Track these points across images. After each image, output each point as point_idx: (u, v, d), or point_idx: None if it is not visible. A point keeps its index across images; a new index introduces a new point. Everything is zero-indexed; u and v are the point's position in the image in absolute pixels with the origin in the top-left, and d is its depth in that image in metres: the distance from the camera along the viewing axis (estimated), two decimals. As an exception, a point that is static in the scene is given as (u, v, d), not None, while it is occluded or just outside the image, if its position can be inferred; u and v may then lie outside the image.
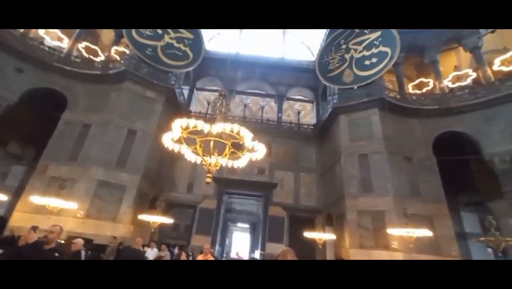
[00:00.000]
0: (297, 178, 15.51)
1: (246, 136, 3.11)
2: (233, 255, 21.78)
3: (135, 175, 11.60)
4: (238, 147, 3.75)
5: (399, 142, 11.79)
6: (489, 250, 13.92)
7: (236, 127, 3.03)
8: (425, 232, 8.82)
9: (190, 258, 9.78)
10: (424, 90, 13.95)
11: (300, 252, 12.31)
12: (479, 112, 11.37)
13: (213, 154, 3.41)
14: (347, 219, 11.26)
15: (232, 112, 18.55)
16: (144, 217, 9.52)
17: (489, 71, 12.16)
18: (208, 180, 3.45)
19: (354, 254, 10.55)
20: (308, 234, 11.67)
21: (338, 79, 14.40)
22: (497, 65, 11.87)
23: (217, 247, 14.38)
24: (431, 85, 13.88)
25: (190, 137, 3.41)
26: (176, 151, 3.53)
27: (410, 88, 14.68)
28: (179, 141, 3.41)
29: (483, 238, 9.85)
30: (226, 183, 15.32)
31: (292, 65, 19.00)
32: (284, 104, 19.36)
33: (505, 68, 11.76)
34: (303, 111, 20.28)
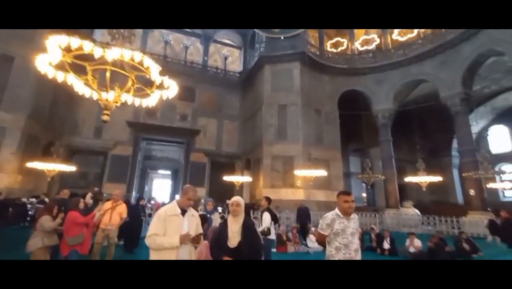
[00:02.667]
0: (220, 125, 15.64)
1: (152, 68, 2.72)
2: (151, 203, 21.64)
3: (18, 114, 9.28)
4: (146, 82, 3.33)
5: (312, 96, 13.03)
6: (363, 184, 18.31)
7: (138, 55, 2.55)
8: (322, 172, 10.73)
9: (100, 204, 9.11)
10: (339, 49, 15.25)
11: (219, 193, 13.30)
12: (375, 74, 13.45)
13: (111, 88, 2.91)
14: (263, 163, 12.42)
15: (150, 49, 16.16)
16: (35, 165, 7.99)
17: (389, 39, 14.10)
18: (105, 117, 3.00)
19: (266, 192, 12.01)
20: (227, 178, 12.53)
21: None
22: (395, 34, 13.83)
23: (134, 194, 13.86)
24: (345, 45, 15.24)
25: (80, 64, 2.77)
26: (60, 80, 2.82)
27: (328, 46, 15.78)
28: (62, 68, 2.72)
29: (360, 176, 12.74)
30: (144, 128, 14.14)
31: (221, 2, 17.27)
32: (211, 48, 18.02)
33: (400, 38, 13.86)
34: (230, 57, 19.47)
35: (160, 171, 23.94)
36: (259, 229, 4.26)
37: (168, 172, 23.81)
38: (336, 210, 2.18)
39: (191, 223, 2.14)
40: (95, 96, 3.15)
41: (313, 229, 7.49)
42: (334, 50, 15.24)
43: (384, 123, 13.22)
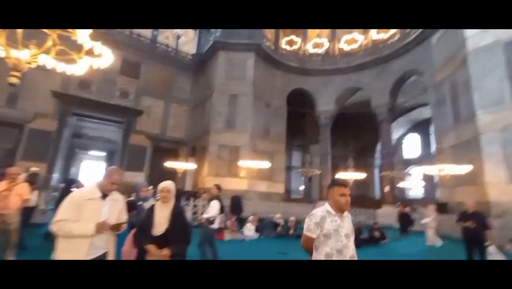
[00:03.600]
0: (167, 107, 14.74)
1: (80, 29, 2.36)
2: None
3: None
4: (72, 46, 2.89)
5: (264, 89, 13.30)
6: (302, 178, 19.73)
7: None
8: (266, 164, 11.16)
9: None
10: (292, 47, 15.83)
11: (160, 179, 12.62)
12: (322, 77, 14.45)
13: (24, 46, 2.44)
14: (209, 151, 12.24)
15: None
16: None
17: (336, 46, 15.23)
18: (13, 80, 2.50)
19: (210, 180, 11.94)
20: (169, 164, 11.95)
21: (224, 11, 13.65)
22: (342, 43, 15.02)
23: (55, 176, 12.11)
24: (298, 44, 15.89)
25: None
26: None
27: (283, 43, 16.22)
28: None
29: (300, 170, 13.68)
30: (74, 101, 12.35)
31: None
32: (162, 22, 16.64)
33: (346, 47, 15.11)
34: (184, 37, 18.36)
35: (92, 152, 21.36)
36: (204, 216, 4.20)
37: (102, 154, 21.45)
38: (327, 206, 1.78)
39: (113, 209, 1.95)
40: (2, 53, 2.59)
41: (251, 217, 7.80)
42: (288, 48, 15.76)
43: (325, 123, 14.39)
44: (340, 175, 12.95)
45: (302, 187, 20.87)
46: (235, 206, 8.06)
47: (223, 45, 13.09)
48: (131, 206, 3.49)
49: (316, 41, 15.45)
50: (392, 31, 13.35)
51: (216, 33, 13.76)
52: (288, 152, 16.68)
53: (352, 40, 14.71)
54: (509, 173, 6.90)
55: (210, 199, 4.29)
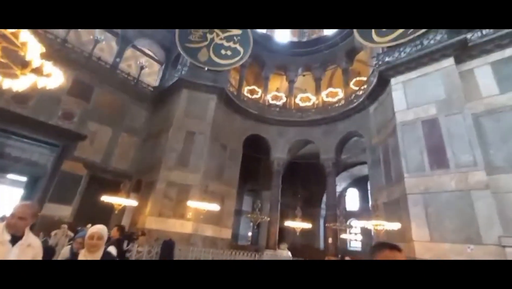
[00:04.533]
0: (116, 136, 13.69)
1: (31, 45, 2.17)
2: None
3: None
4: (17, 59, 2.63)
5: (221, 131, 13.51)
6: (251, 223, 19.28)
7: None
8: (215, 207, 10.68)
9: None
10: (253, 96, 16.94)
11: (92, 215, 10.99)
12: (278, 127, 15.46)
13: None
14: (156, 188, 11.36)
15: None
16: None
17: (293, 100, 16.80)
18: None
19: (151, 221, 10.85)
20: (107, 198, 10.58)
21: (193, 53, 14.29)
22: (298, 99, 16.68)
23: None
24: (259, 94, 17.11)
25: None
26: None
27: (246, 90, 17.30)
28: None
29: (249, 215, 13.44)
30: (3, 115, 10.68)
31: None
32: (128, 51, 16.53)
33: (301, 103, 16.78)
34: (148, 69, 18.29)
35: (11, 176, 17.92)
36: None
37: (23, 179, 18.12)
38: None
39: (23, 257, 1.55)
40: None
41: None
42: (250, 96, 16.80)
43: (278, 170, 14.92)
44: (289, 224, 13.08)
45: (250, 233, 20.25)
46: (164, 253, 7.28)
47: (188, 83, 13.35)
48: (48, 252, 2.87)
49: (275, 94, 16.87)
50: (339, 96, 15.45)
51: (182, 71, 14.09)
52: (239, 196, 16.48)
53: (307, 98, 16.50)
54: (430, 232, 7.84)
55: (108, 244, 3.59)
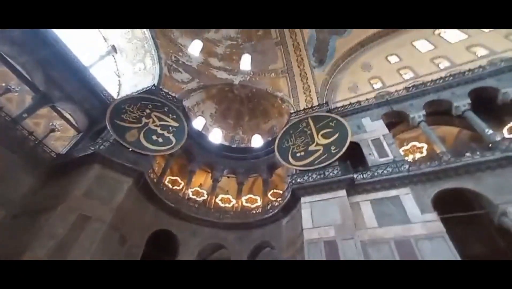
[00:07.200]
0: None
1: None
2: None
3: None
4: None
5: (126, 220, 11.64)
6: None
7: None
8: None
9: None
10: (174, 187, 16.22)
11: None
12: (192, 225, 14.34)
13: None
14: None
15: None
16: None
17: (213, 200, 16.66)
18: None
19: None
20: None
21: (122, 131, 13.76)
22: (219, 198, 16.71)
23: None
24: (181, 186, 16.54)
25: None
26: None
27: (168, 179, 16.57)
28: None
29: None
30: None
31: (93, 82, 16.20)
32: (43, 110, 14.74)
33: (221, 204, 16.73)
34: (59, 133, 16.18)
35: None
36: None
37: None
38: None
39: None
40: None
41: None
42: (170, 186, 16.01)
43: (181, 277, 12.81)
44: None
45: None
46: None
47: (103, 159, 12.06)
48: None
49: (197, 189, 16.64)
50: (258, 203, 16.27)
51: (101, 146, 12.94)
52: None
53: (228, 199, 16.75)
54: None
55: None
